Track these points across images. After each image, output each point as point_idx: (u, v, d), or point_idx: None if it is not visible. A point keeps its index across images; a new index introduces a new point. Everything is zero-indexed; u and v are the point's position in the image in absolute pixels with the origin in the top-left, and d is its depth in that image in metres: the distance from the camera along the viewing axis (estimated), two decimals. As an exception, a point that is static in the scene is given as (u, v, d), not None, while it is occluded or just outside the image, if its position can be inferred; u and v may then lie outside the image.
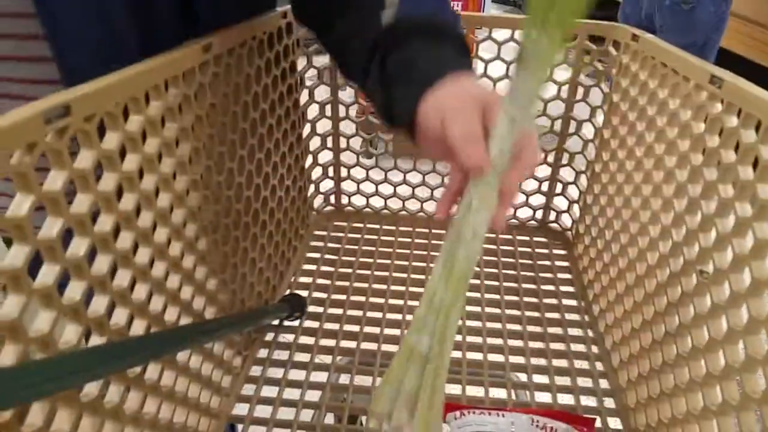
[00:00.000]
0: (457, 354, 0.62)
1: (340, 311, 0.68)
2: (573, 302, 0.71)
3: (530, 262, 0.78)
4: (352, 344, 0.63)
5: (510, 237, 0.82)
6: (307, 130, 0.77)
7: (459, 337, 0.64)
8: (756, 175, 0.38)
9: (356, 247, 0.79)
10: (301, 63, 0.71)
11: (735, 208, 0.40)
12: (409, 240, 0.81)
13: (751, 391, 0.37)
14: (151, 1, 0.42)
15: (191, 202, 0.45)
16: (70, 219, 0.31)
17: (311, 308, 0.68)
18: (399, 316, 0.68)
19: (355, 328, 0.66)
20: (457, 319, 0.35)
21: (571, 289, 0.74)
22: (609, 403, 0.58)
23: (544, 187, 0.81)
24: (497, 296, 0.71)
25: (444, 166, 0.79)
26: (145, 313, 0.39)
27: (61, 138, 0.30)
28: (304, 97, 0.74)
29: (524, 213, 0.84)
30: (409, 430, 0.34)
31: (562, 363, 0.62)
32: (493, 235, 0.82)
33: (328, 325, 0.66)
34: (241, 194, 0.56)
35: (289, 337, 0.65)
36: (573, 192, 0.81)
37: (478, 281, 0.73)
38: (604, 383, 0.60)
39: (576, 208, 0.80)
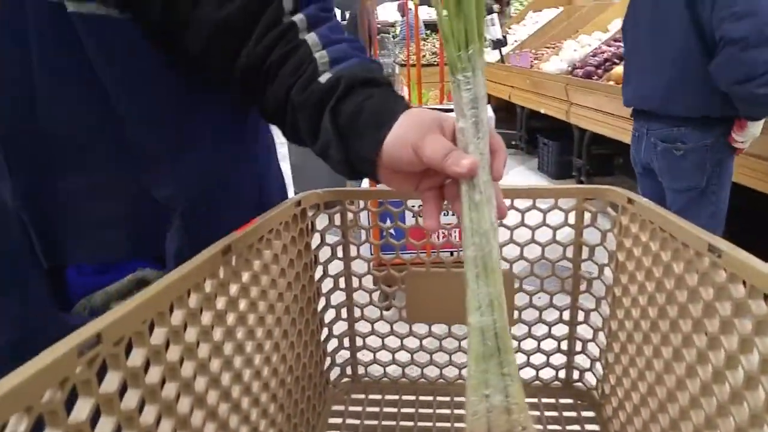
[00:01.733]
0: None
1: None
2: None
3: (559, 428, 0.74)
4: None
5: (535, 400, 0.80)
6: (322, 303, 0.78)
7: None
8: (775, 350, 0.38)
9: (376, 422, 0.76)
10: (314, 241, 0.74)
11: (762, 382, 0.40)
12: (430, 411, 0.78)
13: None
14: None
15: (210, 401, 0.45)
16: (93, 446, 0.31)
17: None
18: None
19: None
20: (504, 308, 0.41)
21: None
22: None
23: (564, 345, 0.80)
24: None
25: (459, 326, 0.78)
26: None
27: (91, 367, 0.31)
28: (318, 272, 0.76)
29: (547, 374, 0.82)
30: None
31: None
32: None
33: None
34: (259, 382, 0.55)
35: None
36: (593, 349, 0.79)
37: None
38: None
39: (598, 366, 0.78)
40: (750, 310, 0.42)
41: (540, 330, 0.80)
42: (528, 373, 0.82)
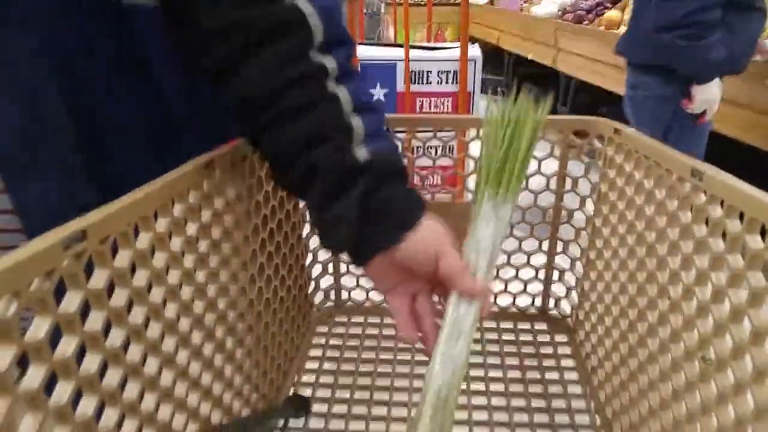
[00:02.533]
0: (467, 453, 0.60)
1: (344, 409, 0.67)
2: (578, 389, 0.71)
3: (533, 351, 0.78)
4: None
5: (511, 325, 0.82)
6: (306, 229, 0.79)
7: (466, 430, 0.63)
8: (745, 264, 0.40)
9: (358, 342, 0.79)
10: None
11: (729, 295, 0.41)
12: (410, 333, 0.80)
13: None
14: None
15: (197, 310, 0.46)
16: (84, 336, 0.32)
17: (316, 407, 0.67)
18: (404, 412, 0.67)
19: (361, 425, 0.65)
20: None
21: (575, 376, 0.73)
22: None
23: (541, 274, 0.83)
24: (502, 387, 0.71)
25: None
26: (153, 421, 0.39)
27: (78, 261, 0.31)
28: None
29: (523, 301, 0.85)
30: None
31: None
32: (495, 325, 0.83)
33: (334, 424, 0.65)
34: (244, 298, 0.56)
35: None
36: (570, 279, 0.82)
37: (482, 373, 0.73)
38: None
39: (574, 294, 0.81)
40: (726, 228, 0.43)
41: (519, 259, 0.82)
42: (505, 300, 0.85)
